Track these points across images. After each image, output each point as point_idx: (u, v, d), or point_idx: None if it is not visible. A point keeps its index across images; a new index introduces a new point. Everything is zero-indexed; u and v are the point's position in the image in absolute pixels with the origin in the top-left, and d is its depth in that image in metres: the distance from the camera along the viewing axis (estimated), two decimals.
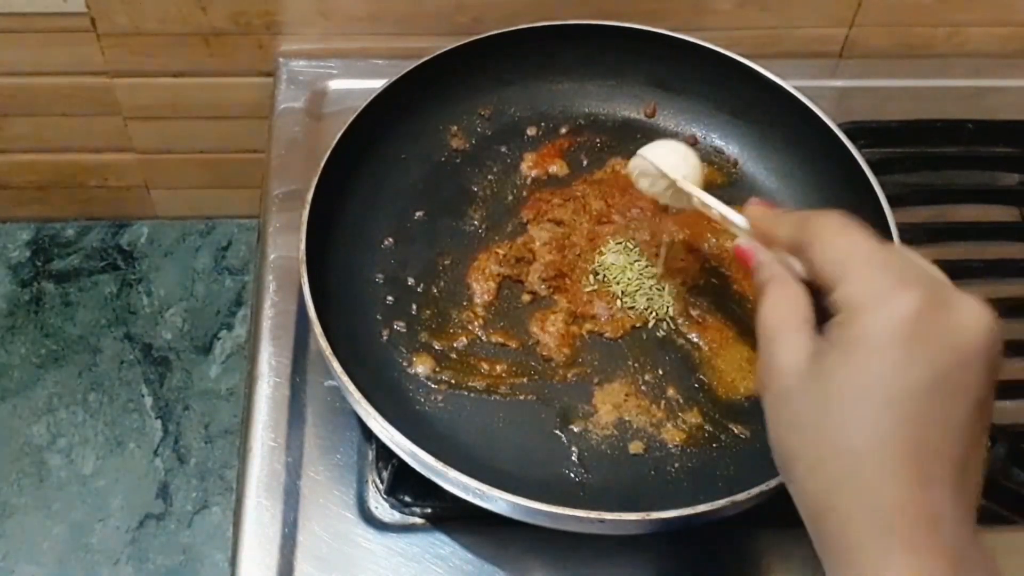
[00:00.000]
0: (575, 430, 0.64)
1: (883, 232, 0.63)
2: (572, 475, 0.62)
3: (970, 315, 0.41)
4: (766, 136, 0.76)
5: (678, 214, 0.70)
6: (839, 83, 0.90)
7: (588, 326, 0.68)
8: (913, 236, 0.73)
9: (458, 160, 0.76)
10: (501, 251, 0.71)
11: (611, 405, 0.64)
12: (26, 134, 0.99)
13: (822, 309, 0.45)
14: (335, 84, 0.86)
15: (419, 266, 0.70)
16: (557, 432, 0.63)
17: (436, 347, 0.66)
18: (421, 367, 0.65)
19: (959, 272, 0.70)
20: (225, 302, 1.09)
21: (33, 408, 1.03)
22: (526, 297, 0.69)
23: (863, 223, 0.46)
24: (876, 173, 0.68)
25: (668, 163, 0.62)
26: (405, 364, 0.66)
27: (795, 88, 0.73)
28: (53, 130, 0.99)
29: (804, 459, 0.42)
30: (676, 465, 0.62)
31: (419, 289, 0.69)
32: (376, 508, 0.64)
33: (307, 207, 0.65)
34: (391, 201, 0.73)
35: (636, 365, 0.66)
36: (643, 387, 0.65)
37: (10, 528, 0.98)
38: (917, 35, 0.91)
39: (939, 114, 0.84)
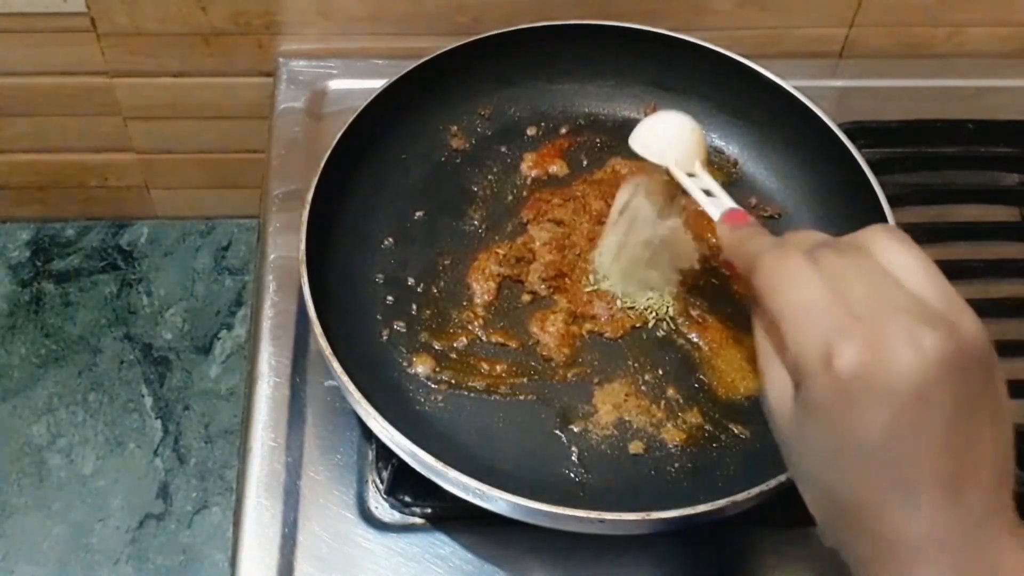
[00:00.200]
0: (575, 430, 0.64)
1: None
2: (572, 475, 0.62)
3: (908, 345, 0.39)
4: (766, 136, 0.76)
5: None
6: (839, 83, 0.90)
7: (588, 326, 0.68)
8: (913, 236, 0.72)
9: (458, 160, 0.76)
10: (501, 251, 0.70)
11: (611, 405, 0.64)
12: (26, 134, 0.99)
13: None
14: (335, 84, 0.86)
15: (419, 266, 0.70)
16: (557, 432, 0.63)
17: (436, 347, 0.66)
18: (421, 367, 0.65)
19: (959, 272, 0.70)
20: (225, 302, 1.09)
21: (33, 408, 1.03)
22: (526, 297, 0.69)
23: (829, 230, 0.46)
24: (876, 173, 0.68)
25: (665, 141, 0.61)
26: (405, 364, 0.66)
27: (795, 88, 0.73)
28: (53, 130, 0.99)
29: (814, 485, 0.44)
30: (676, 465, 0.62)
31: (419, 289, 0.69)
32: (376, 508, 0.64)
33: (307, 207, 0.65)
34: (391, 201, 0.73)
35: (636, 365, 0.66)
36: (643, 387, 0.65)
37: (10, 528, 0.98)
38: (917, 35, 0.91)
39: (939, 114, 0.84)
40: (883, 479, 0.41)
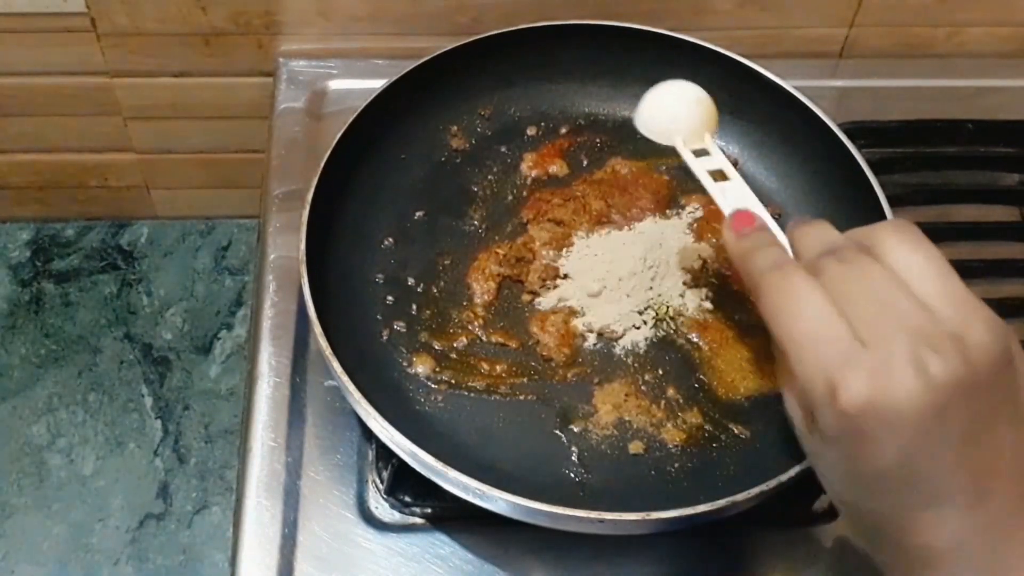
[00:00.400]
0: (575, 430, 0.64)
1: None
2: (572, 475, 0.62)
3: (914, 373, 0.39)
4: (766, 136, 0.76)
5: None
6: (839, 83, 0.90)
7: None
8: None
9: (458, 160, 0.76)
10: (501, 251, 0.70)
11: (611, 405, 0.64)
12: (26, 134, 0.99)
13: None
14: (335, 84, 0.86)
15: (419, 266, 0.70)
16: (557, 432, 0.63)
17: (436, 347, 0.66)
18: (421, 367, 0.65)
19: (959, 272, 0.69)
20: (225, 302, 1.09)
21: (33, 408, 1.03)
22: (526, 297, 0.69)
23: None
24: (876, 173, 0.68)
25: (670, 116, 0.59)
26: (405, 364, 0.66)
27: (795, 88, 0.73)
28: (53, 130, 0.99)
29: (840, 499, 0.46)
30: (676, 465, 0.62)
31: (419, 289, 0.69)
32: (376, 508, 0.64)
33: (307, 207, 0.65)
34: (391, 201, 0.73)
35: (636, 365, 0.66)
36: (643, 387, 0.65)
37: (10, 528, 0.98)
38: (917, 35, 0.91)
39: (939, 114, 0.84)
40: (902, 497, 0.41)
